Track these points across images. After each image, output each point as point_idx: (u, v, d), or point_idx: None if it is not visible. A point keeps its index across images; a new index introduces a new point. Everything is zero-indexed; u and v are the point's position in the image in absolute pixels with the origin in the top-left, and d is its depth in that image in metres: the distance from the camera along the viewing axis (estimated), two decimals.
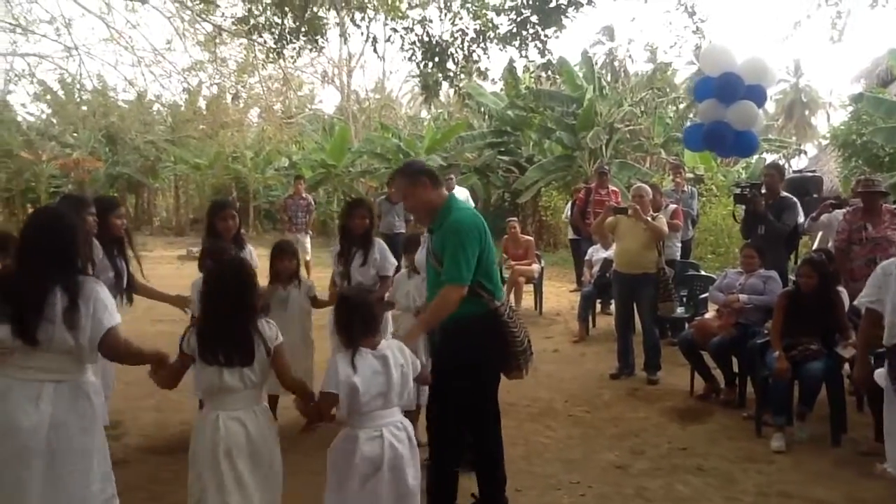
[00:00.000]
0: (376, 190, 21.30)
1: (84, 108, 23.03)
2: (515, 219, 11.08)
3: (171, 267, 14.33)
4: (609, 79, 21.10)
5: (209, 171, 24.94)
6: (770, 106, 13.77)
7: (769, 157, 18.67)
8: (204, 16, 12.55)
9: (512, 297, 9.63)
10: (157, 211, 29.65)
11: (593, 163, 16.25)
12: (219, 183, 25.26)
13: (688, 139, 8.97)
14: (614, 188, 10.67)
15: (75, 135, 24.55)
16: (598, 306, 9.39)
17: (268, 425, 3.18)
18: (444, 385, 3.66)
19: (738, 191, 7.26)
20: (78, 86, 20.47)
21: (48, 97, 24.69)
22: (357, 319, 3.19)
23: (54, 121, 25.80)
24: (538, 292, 10.00)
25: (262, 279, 5.40)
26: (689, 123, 17.92)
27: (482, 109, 19.69)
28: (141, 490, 4.20)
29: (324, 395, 3.14)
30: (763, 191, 7.00)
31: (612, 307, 9.34)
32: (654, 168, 18.34)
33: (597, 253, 9.05)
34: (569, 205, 11.82)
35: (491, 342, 3.68)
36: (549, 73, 9.41)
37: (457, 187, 11.43)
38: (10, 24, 15.03)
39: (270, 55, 9.97)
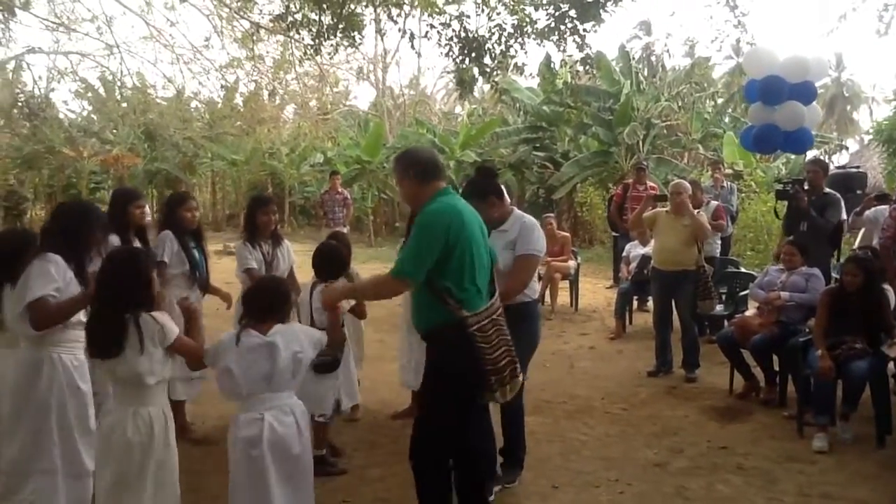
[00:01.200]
0: None
1: (124, 105, 23.37)
2: (552, 214, 11.00)
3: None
4: (646, 74, 20.82)
5: (245, 168, 25.17)
6: None
7: (810, 153, 18.33)
8: (242, 13, 12.69)
9: (548, 293, 9.60)
10: None
11: (630, 159, 16.09)
12: (255, 179, 25.50)
13: (743, 141, 9.00)
14: (653, 184, 10.56)
15: (115, 131, 24.92)
16: (635, 303, 9.30)
17: (149, 427, 3.08)
18: (425, 390, 3.61)
19: (780, 187, 7.15)
20: (118, 83, 20.77)
21: (89, 94, 25.11)
22: (277, 303, 3.27)
23: (95, 118, 26.20)
24: (574, 289, 9.93)
25: (300, 275, 5.50)
26: (727, 119, 17.78)
27: (517, 105, 19.61)
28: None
29: (204, 352, 3.23)
30: (806, 187, 6.89)
31: (650, 304, 9.28)
32: (692, 164, 18.11)
33: (634, 249, 8.97)
34: (607, 202, 11.74)
35: (459, 355, 3.33)
36: (588, 67, 9.34)
37: None
38: (54, 22, 15.36)
39: (308, 52, 10.04)
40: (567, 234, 10.38)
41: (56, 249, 3.46)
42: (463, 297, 3.30)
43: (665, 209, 6.92)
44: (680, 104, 17.71)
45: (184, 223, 5.04)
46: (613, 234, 11.14)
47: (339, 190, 13.05)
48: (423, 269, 3.27)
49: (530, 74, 11.86)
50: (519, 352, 3.56)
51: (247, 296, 3.36)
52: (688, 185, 7.06)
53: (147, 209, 4.90)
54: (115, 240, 4.38)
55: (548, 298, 9.61)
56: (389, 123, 25.69)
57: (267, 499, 3.09)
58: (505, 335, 3.40)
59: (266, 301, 3.26)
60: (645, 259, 8.37)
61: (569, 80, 16.06)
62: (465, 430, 3.55)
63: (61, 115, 25.20)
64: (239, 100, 23.80)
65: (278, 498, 3.10)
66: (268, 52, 17.17)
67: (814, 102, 8.02)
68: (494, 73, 8.89)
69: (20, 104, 19.99)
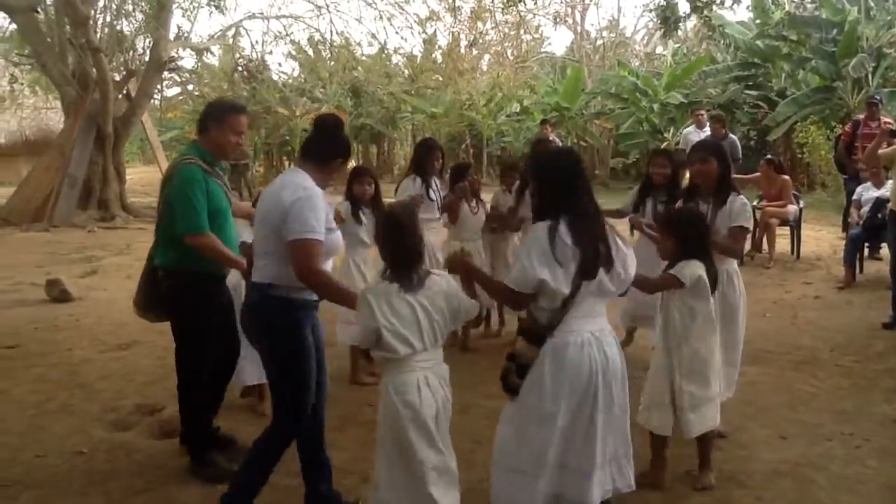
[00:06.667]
0: (611, 131, 20.83)
1: (331, 63, 24.52)
2: (770, 156, 10.30)
3: None
4: None
5: (444, 120, 25.61)
6: None
7: None
8: None
9: (765, 240, 9.06)
10: (395, 160, 31.04)
11: (857, 94, 14.69)
12: (453, 131, 25.89)
13: None
14: (888, 119, 9.55)
15: (323, 90, 26.23)
16: (866, 250, 8.55)
17: None
18: None
19: None
20: (329, 43, 21.79)
21: (300, 55, 26.58)
22: None
23: (304, 77, 27.68)
24: (796, 235, 9.28)
25: None
26: None
27: (726, 41, 18.45)
28: None
29: None
30: None
31: (882, 252, 8.55)
32: None
33: (867, 192, 8.24)
34: (834, 141, 10.80)
35: None
36: None
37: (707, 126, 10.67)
38: None
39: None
40: (787, 178, 9.65)
41: None
42: None
43: None
44: None
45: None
46: (842, 176, 10.22)
47: (551, 138, 13.09)
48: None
49: (747, 7, 11.03)
50: None
51: None
52: None
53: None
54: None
55: (765, 245, 9.10)
56: (588, 68, 25.11)
57: None
58: None
59: None
60: (879, 202, 7.67)
61: (791, 10, 14.79)
62: None
63: (275, 77, 26.94)
64: (438, 53, 24.25)
65: None
66: (466, 2, 17.34)
67: None
68: (708, 7, 8.37)
69: (240, 68, 21.58)
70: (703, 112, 11.25)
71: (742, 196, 4.12)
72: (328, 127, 3.22)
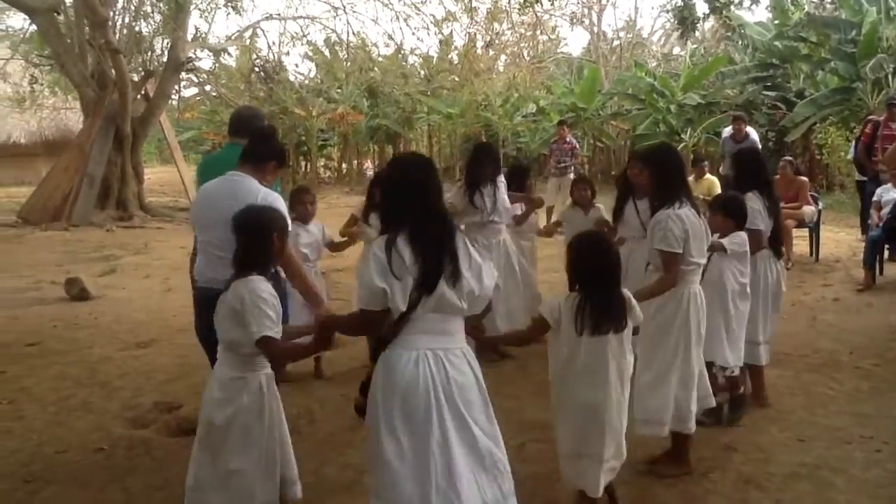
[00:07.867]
0: (627, 132, 20.79)
1: (347, 64, 24.61)
2: (790, 158, 10.23)
3: None
4: None
5: (460, 120, 25.60)
6: None
7: None
8: None
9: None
10: None
11: (877, 95, 14.54)
12: (469, 131, 25.89)
13: None
14: None
15: (339, 90, 26.30)
16: (886, 252, 8.47)
17: None
18: None
19: None
20: (345, 43, 21.88)
21: (316, 56, 26.68)
22: None
23: (320, 78, 27.77)
24: (814, 237, 9.21)
25: None
26: None
27: (744, 42, 18.34)
28: None
29: None
30: None
31: None
32: None
33: (887, 193, 8.16)
34: (853, 143, 10.69)
35: None
36: None
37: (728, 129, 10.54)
38: None
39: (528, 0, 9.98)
40: (804, 179, 9.56)
41: None
42: None
43: None
44: None
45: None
46: (860, 178, 10.12)
47: (567, 139, 13.09)
48: None
49: (765, 7, 10.96)
50: None
51: None
52: None
53: None
54: None
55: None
56: (605, 69, 25.04)
57: None
58: None
59: None
60: None
61: (811, 11, 14.68)
62: None
63: (292, 78, 27.03)
64: (454, 54, 24.25)
65: None
66: (482, 3, 17.36)
67: None
68: (727, 7, 8.32)
69: (257, 69, 21.71)
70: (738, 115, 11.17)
71: (671, 210, 3.59)
72: (265, 135, 3.78)
